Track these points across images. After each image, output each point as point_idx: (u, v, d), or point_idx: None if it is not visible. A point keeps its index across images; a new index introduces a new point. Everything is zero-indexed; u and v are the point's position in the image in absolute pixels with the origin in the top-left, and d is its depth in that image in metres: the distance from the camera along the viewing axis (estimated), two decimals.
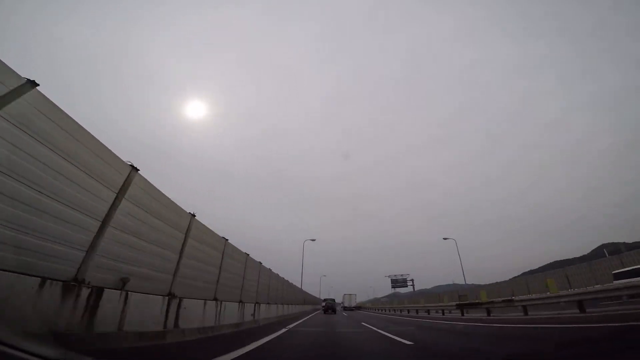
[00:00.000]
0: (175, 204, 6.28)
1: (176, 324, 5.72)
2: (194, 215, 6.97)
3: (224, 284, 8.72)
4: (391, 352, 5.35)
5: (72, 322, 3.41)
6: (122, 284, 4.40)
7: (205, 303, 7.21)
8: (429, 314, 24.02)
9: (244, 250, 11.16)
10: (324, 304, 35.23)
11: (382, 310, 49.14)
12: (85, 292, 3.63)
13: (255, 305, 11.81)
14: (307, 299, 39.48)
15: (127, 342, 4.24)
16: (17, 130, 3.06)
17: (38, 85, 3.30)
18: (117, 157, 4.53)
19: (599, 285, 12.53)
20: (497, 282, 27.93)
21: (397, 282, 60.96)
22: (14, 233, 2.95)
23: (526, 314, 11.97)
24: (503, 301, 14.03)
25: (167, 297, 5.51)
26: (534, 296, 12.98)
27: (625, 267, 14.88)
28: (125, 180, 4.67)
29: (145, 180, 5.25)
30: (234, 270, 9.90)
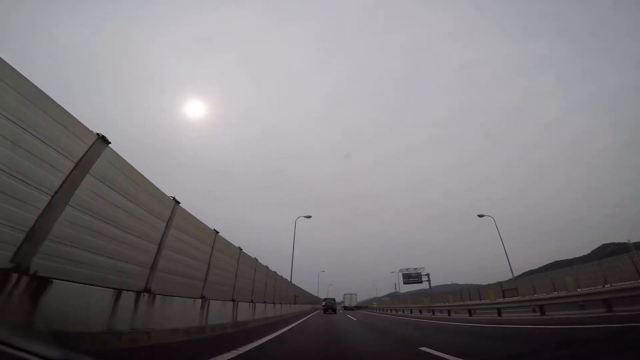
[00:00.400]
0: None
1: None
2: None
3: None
4: None
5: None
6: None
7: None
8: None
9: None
10: (324, 303, 34.77)
11: (384, 310, 48.04)
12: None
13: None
14: (303, 298, 38.24)
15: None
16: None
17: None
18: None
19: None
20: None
21: (409, 278, 51.46)
22: None
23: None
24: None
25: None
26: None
27: None
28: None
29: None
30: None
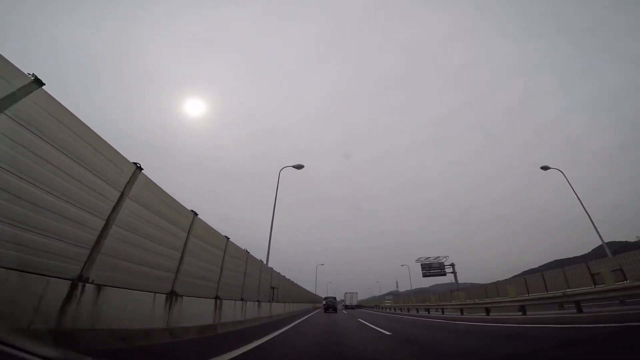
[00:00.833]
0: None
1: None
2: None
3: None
4: None
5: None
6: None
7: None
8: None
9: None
10: (324, 302, 35.40)
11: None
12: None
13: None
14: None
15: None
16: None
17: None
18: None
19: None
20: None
21: (430, 269, 41.93)
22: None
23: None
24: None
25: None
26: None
27: None
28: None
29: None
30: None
